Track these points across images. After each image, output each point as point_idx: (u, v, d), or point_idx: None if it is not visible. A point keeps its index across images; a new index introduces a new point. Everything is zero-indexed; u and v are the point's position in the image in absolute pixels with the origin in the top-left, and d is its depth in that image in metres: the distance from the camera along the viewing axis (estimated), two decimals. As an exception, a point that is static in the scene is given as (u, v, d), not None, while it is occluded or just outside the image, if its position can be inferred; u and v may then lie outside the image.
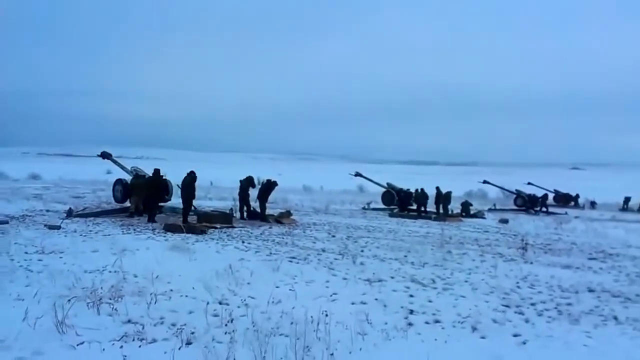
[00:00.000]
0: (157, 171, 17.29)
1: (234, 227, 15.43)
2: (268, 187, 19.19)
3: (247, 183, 18.60)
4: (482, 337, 5.99)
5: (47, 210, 18.22)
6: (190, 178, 16.27)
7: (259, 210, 18.46)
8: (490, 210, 29.60)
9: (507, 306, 7.38)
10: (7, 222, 14.11)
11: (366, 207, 27.48)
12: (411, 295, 7.77)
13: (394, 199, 27.48)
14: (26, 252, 9.71)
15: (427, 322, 6.46)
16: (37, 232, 12.42)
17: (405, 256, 11.36)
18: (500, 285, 8.71)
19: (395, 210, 25.80)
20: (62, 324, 5.38)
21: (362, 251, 11.85)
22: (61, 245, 10.71)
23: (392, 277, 9.01)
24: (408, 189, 27.56)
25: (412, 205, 26.63)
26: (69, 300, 5.96)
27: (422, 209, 25.28)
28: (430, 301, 7.50)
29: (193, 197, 16.34)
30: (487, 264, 10.88)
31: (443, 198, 25.78)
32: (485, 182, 34.51)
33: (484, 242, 14.81)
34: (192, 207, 16.71)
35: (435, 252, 12.14)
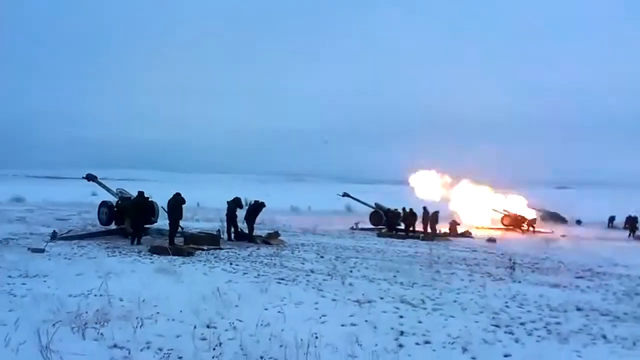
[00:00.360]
0: (141, 193, 17.13)
1: (222, 249, 15.29)
2: (256, 208, 19.17)
3: (235, 204, 18.55)
4: (473, 358, 5.97)
5: (31, 234, 17.90)
6: (176, 200, 16.17)
7: (246, 231, 18.36)
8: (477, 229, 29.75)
9: (497, 326, 7.38)
10: (-11, 246, 13.83)
11: (354, 227, 27.44)
12: (401, 316, 7.74)
13: (382, 219, 27.51)
14: (9, 276, 9.51)
15: (417, 343, 6.43)
16: (21, 256, 12.16)
17: (395, 276, 11.34)
18: (490, 304, 8.72)
19: (384, 230, 25.80)
20: (46, 349, 5.25)
21: (351, 272, 11.81)
22: (45, 269, 10.50)
23: (382, 298, 8.97)
24: (396, 209, 27.61)
25: (400, 225, 26.66)
26: (54, 324, 5.85)
27: (411, 228, 25.30)
28: (420, 322, 7.47)
29: (180, 218, 16.22)
30: (476, 283, 10.89)
31: (431, 218, 25.85)
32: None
33: (472, 261, 14.85)
34: (180, 229, 16.55)
35: (424, 272, 12.14)
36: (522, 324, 7.56)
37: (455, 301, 8.95)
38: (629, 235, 30.39)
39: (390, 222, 26.86)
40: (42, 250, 13.11)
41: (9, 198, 46.48)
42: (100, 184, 20.70)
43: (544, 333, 7.11)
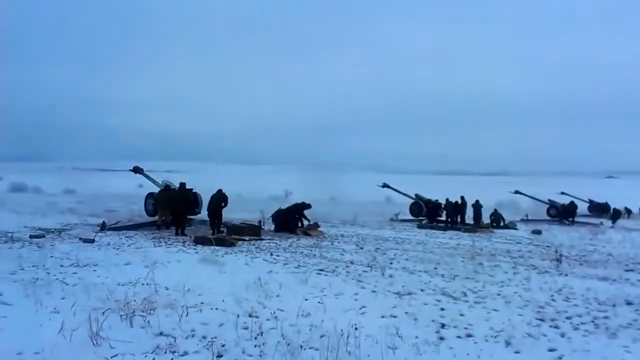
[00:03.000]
0: (182, 185, 17.55)
1: (263, 240, 15.52)
2: (298, 208, 19.05)
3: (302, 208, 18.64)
4: (516, 352, 5.85)
5: (82, 224, 18.71)
6: (219, 196, 16.65)
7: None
8: (522, 220, 28.95)
9: (541, 320, 7.19)
10: (43, 236, 14.56)
11: (394, 218, 27.25)
12: (442, 309, 7.66)
13: (422, 210, 27.20)
14: (61, 265, 9.98)
15: (459, 336, 6.35)
16: (72, 246, 12.76)
17: (435, 268, 11.22)
18: (534, 298, 8.50)
19: (424, 222, 25.51)
20: (96, 336, 5.49)
21: (391, 263, 11.76)
22: (95, 258, 10.98)
23: (422, 290, 8.90)
24: (437, 200, 27.22)
25: (441, 216, 26.29)
26: (103, 312, 6.10)
27: (459, 219, 24.83)
28: (461, 315, 7.37)
29: (220, 210, 16.66)
30: (520, 276, 10.64)
31: (474, 209, 25.36)
32: (517, 192, 33.77)
33: (516, 253, 14.49)
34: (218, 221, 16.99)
35: (466, 265, 11.95)
36: (568, 318, 7.33)
37: (498, 294, 8.78)
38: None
39: (431, 213, 26.52)
40: (92, 241, 13.68)
41: (60, 190, 48.69)
42: (146, 175, 21.35)
43: (591, 327, 6.88)
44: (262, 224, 18.20)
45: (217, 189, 16.88)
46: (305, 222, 18.75)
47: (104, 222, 17.70)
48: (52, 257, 10.78)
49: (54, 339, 5.43)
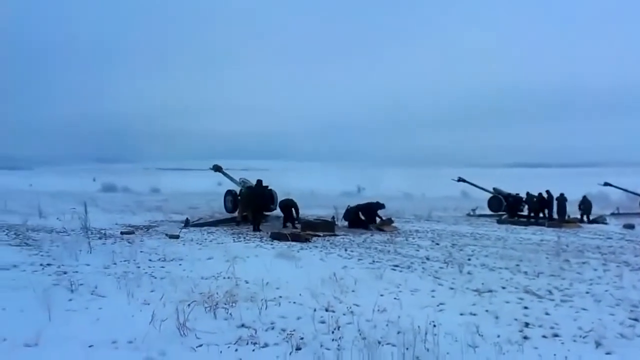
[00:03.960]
0: (259, 182, 18.08)
1: (337, 235, 15.64)
2: (374, 207, 18.94)
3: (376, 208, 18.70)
4: (608, 353, 5.49)
5: (167, 221, 19.81)
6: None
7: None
8: (612, 214, 27.03)
9: (635, 320, 6.69)
10: (133, 232, 15.58)
11: (471, 213, 26.45)
12: (525, 307, 7.33)
13: (501, 205, 26.18)
14: (150, 260, 10.62)
15: (544, 336, 6.06)
16: (159, 241, 13.55)
17: (517, 265, 10.76)
18: (628, 297, 7.92)
19: (504, 217, 24.53)
20: (183, 327, 5.80)
21: (469, 260, 11.42)
22: (180, 253, 11.59)
23: (504, 288, 8.57)
24: (517, 194, 26.06)
25: (522, 210, 25.14)
26: (189, 304, 6.42)
27: (544, 214, 23.60)
28: (547, 313, 7.02)
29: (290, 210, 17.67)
30: (611, 273, 9.95)
31: (559, 203, 24.00)
32: (606, 184, 31.56)
33: (606, 249, 13.56)
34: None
35: (551, 261, 11.35)
36: (667, 319, 6.77)
37: (587, 292, 8.27)
38: None
39: (512, 208, 25.44)
40: (177, 236, 14.46)
41: (147, 189, 51.81)
42: (225, 174, 22.22)
43: (696, 330, 6.30)
44: (335, 219, 18.35)
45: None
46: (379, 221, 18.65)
47: (187, 219, 18.64)
48: (141, 252, 11.50)
49: (145, 329, 5.78)
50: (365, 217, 18.45)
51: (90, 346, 5.37)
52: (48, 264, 9.86)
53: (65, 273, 8.97)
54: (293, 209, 18.05)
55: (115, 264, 10.07)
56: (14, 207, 27.19)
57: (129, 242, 13.34)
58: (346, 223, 18.62)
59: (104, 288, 7.85)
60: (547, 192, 23.95)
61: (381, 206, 18.76)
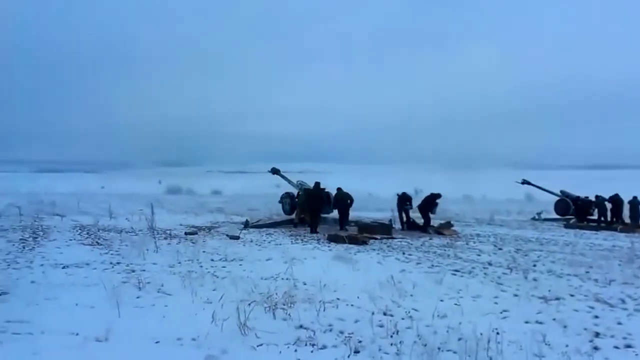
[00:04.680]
0: (317, 184, 18.19)
1: (394, 238, 15.47)
2: (430, 199, 18.73)
3: (401, 200, 18.78)
4: (691, 370, 5.09)
5: (228, 222, 20.36)
6: (341, 194, 17.45)
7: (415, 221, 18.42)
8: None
9: None
10: (196, 233, 16.12)
11: (536, 217, 25.40)
12: (596, 316, 6.94)
13: (569, 208, 24.94)
14: (212, 260, 10.94)
15: (616, 347, 5.70)
16: (220, 242, 13.95)
17: (587, 272, 10.20)
18: None
19: (572, 221, 23.36)
20: (244, 326, 5.91)
21: (534, 266, 10.95)
22: (240, 253, 11.87)
23: (572, 295, 8.15)
24: (586, 197, 24.74)
25: (592, 214, 23.84)
26: (249, 304, 6.56)
27: (616, 218, 22.27)
28: (619, 323, 6.61)
29: (346, 209, 17.86)
30: (694, 283, 9.22)
31: (631, 206, 22.56)
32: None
33: (687, 257, 12.59)
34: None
35: (624, 268, 10.68)
36: None
37: (665, 303, 7.71)
38: None
39: (581, 212, 24.18)
40: (237, 237, 14.82)
41: (209, 191, 53.51)
42: (282, 176, 22.55)
43: None
44: (392, 222, 18.17)
45: (337, 188, 18.05)
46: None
47: (247, 220, 19.08)
48: (204, 252, 11.87)
49: (207, 327, 5.95)
50: (426, 208, 18.25)
51: (156, 342, 5.59)
52: (117, 263, 10.40)
53: (133, 271, 9.41)
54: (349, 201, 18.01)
55: (179, 263, 10.45)
56: (87, 208, 28.91)
57: (192, 242, 13.81)
58: (403, 226, 18.47)
59: (170, 286, 8.15)
60: (616, 195, 22.59)
61: (437, 196, 18.46)
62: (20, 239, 13.97)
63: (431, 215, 18.49)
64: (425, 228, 17.75)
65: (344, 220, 17.82)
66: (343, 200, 17.91)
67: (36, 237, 14.51)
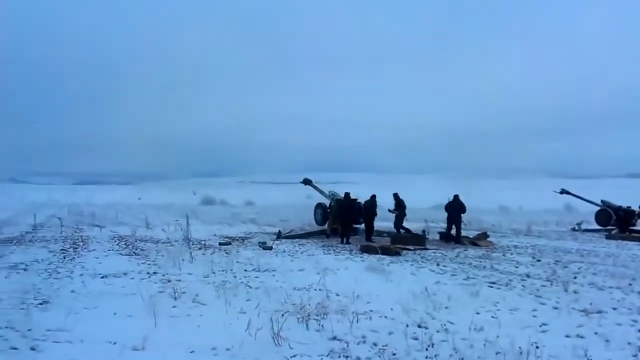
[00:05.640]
0: (347, 194, 18.15)
1: (428, 249, 15.26)
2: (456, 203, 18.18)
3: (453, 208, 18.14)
4: None
5: (261, 233, 20.51)
6: (372, 202, 17.33)
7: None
8: None
9: None
10: (229, 244, 16.30)
11: (576, 228, 24.60)
12: (640, 330, 6.66)
13: (611, 219, 24.08)
14: (245, 270, 11.04)
15: (664, 364, 5.45)
16: (254, 252, 14.06)
17: (630, 284, 9.80)
18: None
19: (614, 232, 22.53)
20: (277, 337, 5.93)
21: (574, 278, 10.59)
22: (273, 264, 11.93)
23: (614, 309, 7.84)
24: (629, 207, 23.87)
25: (635, 225, 22.97)
26: (282, 314, 6.57)
27: None
28: (666, 339, 6.32)
29: (374, 217, 17.76)
30: None
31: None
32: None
33: None
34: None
35: (671, 281, 10.21)
36: None
37: None
38: None
39: (623, 222, 23.33)
40: (270, 248, 14.91)
41: (242, 202, 54.08)
42: (314, 187, 22.59)
43: None
44: (426, 233, 17.93)
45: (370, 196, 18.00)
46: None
47: (279, 231, 19.19)
48: (237, 262, 11.99)
49: (241, 337, 5.99)
50: (451, 212, 17.78)
51: (191, 352, 5.66)
52: (154, 272, 10.62)
53: (169, 281, 9.59)
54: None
55: (214, 273, 10.58)
56: (125, 219, 29.68)
57: (226, 252, 13.97)
58: (437, 236, 18.16)
59: (204, 296, 8.26)
60: None
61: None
62: (61, 250, 14.45)
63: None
64: (460, 240, 17.41)
65: (369, 231, 17.70)
66: (368, 210, 17.77)
67: (76, 248, 14.98)
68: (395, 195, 19.14)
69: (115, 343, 5.83)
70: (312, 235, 18.99)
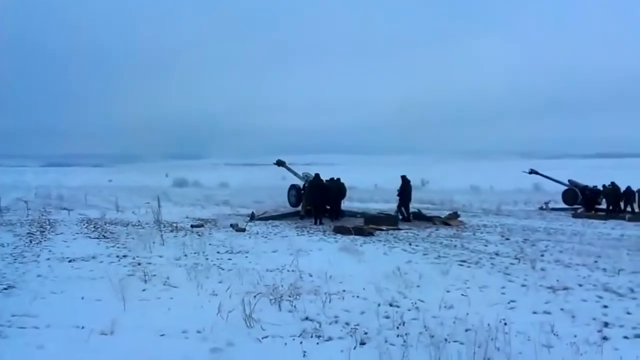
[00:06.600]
0: (317, 175, 18.14)
1: (400, 230, 15.40)
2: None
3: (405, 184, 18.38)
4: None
5: (234, 215, 20.36)
6: (337, 182, 17.84)
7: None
8: None
9: None
10: (202, 226, 16.13)
11: (544, 207, 25.22)
12: (605, 306, 6.85)
13: (577, 198, 24.77)
14: (218, 252, 10.94)
15: (626, 337, 5.63)
16: (226, 234, 13.94)
17: (596, 262, 10.10)
18: None
19: (580, 210, 23.19)
20: (249, 318, 5.89)
21: (542, 255, 10.85)
22: (246, 245, 11.85)
23: (580, 285, 8.06)
24: (595, 186, 24.56)
25: (600, 204, 23.68)
26: (255, 296, 6.53)
27: (631, 207, 22.15)
28: (628, 313, 6.53)
29: (342, 198, 18.29)
30: None
31: (639, 195, 22.39)
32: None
33: (698, 246, 12.44)
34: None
35: (633, 258, 10.56)
36: None
37: (675, 292, 7.61)
38: None
39: (589, 201, 24.03)
40: (243, 230, 14.81)
41: (216, 184, 53.56)
42: (288, 168, 22.48)
43: None
44: (398, 213, 18.08)
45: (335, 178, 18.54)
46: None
47: (253, 212, 19.08)
48: (210, 244, 11.87)
49: (213, 320, 5.92)
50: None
51: (162, 335, 5.57)
52: (124, 256, 10.42)
53: (139, 264, 9.42)
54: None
55: (185, 255, 10.45)
56: (94, 201, 29.05)
57: (198, 234, 13.82)
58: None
59: (175, 279, 8.14)
60: (612, 183, 22.72)
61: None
62: (28, 233, 14.06)
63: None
64: (431, 219, 17.61)
65: (336, 212, 17.88)
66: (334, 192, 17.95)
67: (43, 231, 14.58)
68: (403, 178, 18.77)
69: (83, 328, 5.69)
70: (285, 216, 18.94)
